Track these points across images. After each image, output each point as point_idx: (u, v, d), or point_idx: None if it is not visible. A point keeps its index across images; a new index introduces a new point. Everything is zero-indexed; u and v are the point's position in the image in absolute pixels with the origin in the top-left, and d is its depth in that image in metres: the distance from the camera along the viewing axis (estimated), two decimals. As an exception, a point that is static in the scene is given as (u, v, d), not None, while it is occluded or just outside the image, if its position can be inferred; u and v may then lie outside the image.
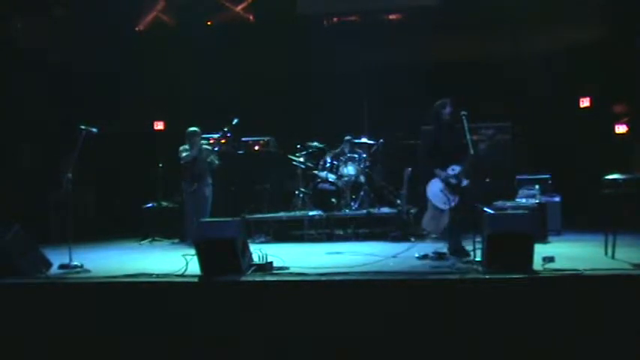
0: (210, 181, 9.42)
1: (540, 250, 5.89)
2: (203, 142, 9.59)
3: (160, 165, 10.40)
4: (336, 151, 10.22)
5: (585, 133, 11.07)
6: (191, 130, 9.36)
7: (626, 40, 10.72)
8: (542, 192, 9.30)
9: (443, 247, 7.22)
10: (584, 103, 11.59)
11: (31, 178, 11.13)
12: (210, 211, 9.26)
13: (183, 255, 6.32)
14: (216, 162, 9.47)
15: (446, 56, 11.59)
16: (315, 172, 10.02)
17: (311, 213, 9.66)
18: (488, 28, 11.36)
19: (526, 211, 7.50)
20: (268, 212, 10.30)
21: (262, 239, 9.57)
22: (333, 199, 9.72)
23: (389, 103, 11.20)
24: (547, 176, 9.68)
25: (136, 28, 12.31)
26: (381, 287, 5.46)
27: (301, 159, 10.24)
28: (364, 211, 9.69)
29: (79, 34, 11.59)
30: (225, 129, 10.23)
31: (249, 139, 11.17)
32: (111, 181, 12.10)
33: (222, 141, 10.76)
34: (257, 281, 5.67)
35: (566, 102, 11.43)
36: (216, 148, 9.85)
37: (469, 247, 6.47)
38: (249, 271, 5.93)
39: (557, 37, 11.22)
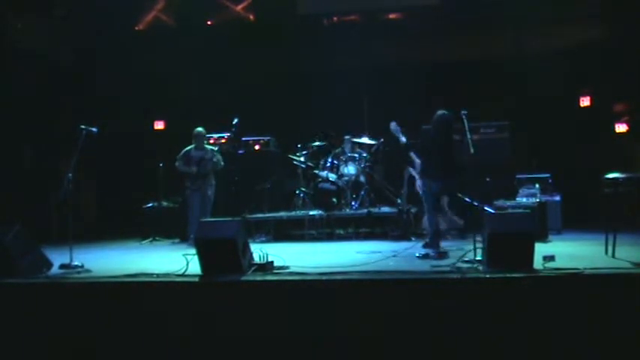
0: (213, 182, 9.44)
1: (541, 249, 5.89)
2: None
3: (160, 165, 10.41)
4: (337, 150, 10.24)
5: (585, 132, 11.08)
6: (197, 131, 9.40)
7: (626, 39, 10.72)
8: (543, 191, 9.30)
9: (443, 247, 7.22)
10: (585, 102, 11.60)
11: (32, 178, 11.14)
12: (211, 211, 9.27)
13: (184, 255, 6.32)
14: (222, 163, 9.49)
15: (446, 56, 11.59)
16: (316, 171, 10.02)
17: (311, 212, 9.66)
18: (488, 28, 11.37)
19: (526, 211, 7.51)
20: (269, 212, 10.30)
21: (263, 239, 9.58)
22: (334, 199, 9.73)
23: (389, 103, 11.21)
24: (547, 175, 9.69)
25: (136, 28, 12.30)
26: (382, 287, 5.46)
27: (302, 158, 10.25)
28: (365, 210, 9.69)
29: (79, 34, 11.60)
30: (233, 129, 10.25)
31: (250, 138, 11.17)
32: (111, 181, 12.11)
33: (223, 140, 10.77)
34: (258, 281, 5.67)
35: (566, 101, 11.43)
36: (216, 148, 9.86)
37: (469, 247, 6.47)
38: (250, 271, 5.93)
39: (557, 37, 11.23)
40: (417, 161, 8.44)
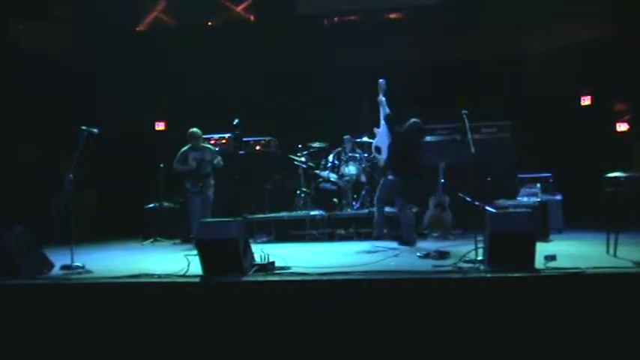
0: (213, 182, 9.42)
1: (542, 249, 5.89)
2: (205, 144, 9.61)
3: (161, 165, 10.40)
4: (337, 150, 10.24)
5: (586, 132, 11.07)
6: (192, 132, 9.34)
7: (627, 38, 10.72)
8: (544, 190, 9.30)
9: (445, 246, 7.22)
10: (586, 101, 11.59)
11: (33, 178, 11.13)
12: (212, 211, 9.26)
13: (185, 255, 6.33)
14: (222, 163, 9.46)
15: (446, 56, 11.59)
16: (317, 171, 10.02)
17: (312, 213, 9.66)
18: (488, 28, 11.36)
19: (528, 210, 7.50)
20: (270, 212, 10.30)
21: (264, 239, 9.57)
22: (335, 199, 9.73)
23: (389, 103, 11.19)
24: (548, 175, 9.69)
25: (136, 28, 12.30)
26: (382, 287, 5.45)
27: (302, 159, 10.25)
28: (366, 210, 9.68)
29: (79, 34, 11.60)
30: (237, 132, 10.22)
31: (251, 139, 11.16)
32: (112, 182, 12.10)
33: (223, 141, 10.76)
34: (259, 281, 5.67)
35: (567, 100, 11.42)
36: (217, 148, 9.85)
37: (470, 247, 6.47)
38: (251, 271, 5.94)
39: (557, 37, 11.22)
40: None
